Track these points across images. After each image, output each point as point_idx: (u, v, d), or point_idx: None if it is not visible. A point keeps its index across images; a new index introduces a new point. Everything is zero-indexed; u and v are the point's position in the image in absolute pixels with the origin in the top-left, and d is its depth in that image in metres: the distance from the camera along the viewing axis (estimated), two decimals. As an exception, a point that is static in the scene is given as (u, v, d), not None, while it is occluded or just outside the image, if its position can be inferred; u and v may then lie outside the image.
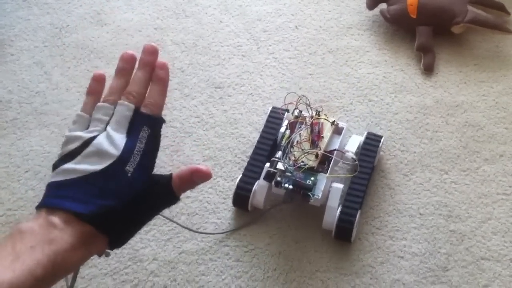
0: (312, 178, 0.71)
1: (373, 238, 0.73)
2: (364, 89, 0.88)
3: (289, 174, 0.70)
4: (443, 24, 0.91)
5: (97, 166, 0.46)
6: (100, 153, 0.46)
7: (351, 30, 0.96)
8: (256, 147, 0.79)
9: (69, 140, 0.48)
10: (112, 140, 0.47)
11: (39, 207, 0.46)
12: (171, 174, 0.49)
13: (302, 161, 0.70)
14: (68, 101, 0.88)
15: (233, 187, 0.77)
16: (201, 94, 0.89)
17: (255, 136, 0.83)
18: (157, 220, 0.75)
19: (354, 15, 0.98)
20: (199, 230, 0.74)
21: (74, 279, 0.53)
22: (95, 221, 0.45)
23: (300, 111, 0.75)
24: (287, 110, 0.79)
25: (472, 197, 0.77)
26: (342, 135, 0.76)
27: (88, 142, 0.47)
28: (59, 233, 0.43)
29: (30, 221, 0.45)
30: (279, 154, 0.71)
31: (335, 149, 0.73)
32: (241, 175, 0.76)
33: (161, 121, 0.50)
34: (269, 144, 0.78)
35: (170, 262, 0.72)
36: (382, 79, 0.89)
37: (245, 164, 0.79)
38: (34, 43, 0.96)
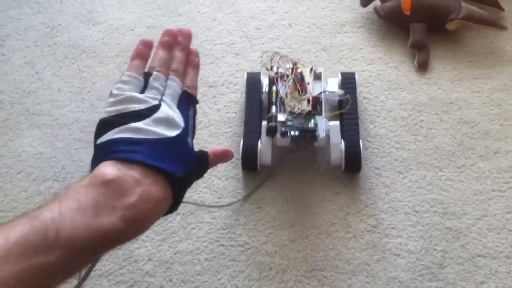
0: (313, 121, 0.75)
1: (368, 236, 0.73)
2: (359, 87, 0.87)
3: (290, 123, 0.74)
4: (437, 21, 0.91)
5: (169, 132, 0.47)
6: (169, 121, 0.48)
7: (345, 28, 0.96)
8: (247, 111, 0.82)
9: (129, 99, 0.48)
10: (175, 112, 0.49)
11: (112, 157, 0.44)
12: (206, 151, 0.54)
13: (299, 108, 0.75)
14: (60, 101, 0.87)
15: (228, 186, 0.77)
16: (194, 93, 0.88)
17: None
18: (152, 220, 0.74)
19: (348, 12, 0.98)
20: (213, 204, 0.76)
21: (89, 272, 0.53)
22: (177, 182, 0.45)
23: (277, 67, 0.79)
24: (267, 68, 0.80)
25: (467, 194, 0.77)
26: (322, 79, 0.81)
27: (155, 108, 0.48)
28: (151, 184, 0.44)
29: (111, 169, 0.43)
30: (273, 109, 0.75)
31: (322, 91, 0.78)
32: (242, 140, 0.78)
33: (197, 102, 0.55)
34: (257, 105, 0.82)
35: (166, 263, 0.71)
36: (376, 76, 0.89)
37: (240, 162, 0.79)
38: (26, 42, 0.95)
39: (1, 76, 0.90)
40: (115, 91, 0.49)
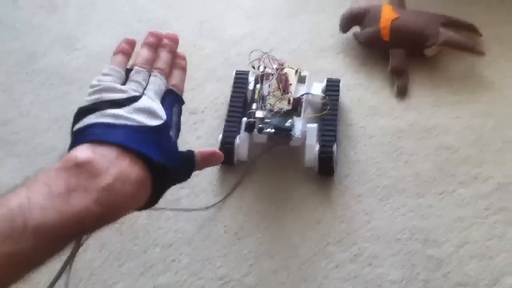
0: (290, 121, 0.77)
1: (350, 265, 0.73)
2: (339, 112, 0.87)
3: (268, 120, 0.77)
4: (416, 47, 0.91)
5: (150, 122, 0.46)
6: (150, 112, 0.47)
7: (325, 53, 0.96)
8: (230, 107, 0.84)
9: (109, 88, 0.48)
10: (157, 104, 0.49)
11: (90, 140, 0.43)
12: (193, 150, 0.52)
13: (278, 107, 0.77)
14: (39, 129, 0.86)
15: (208, 215, 0.76)
16: (174, 120, 0.87)
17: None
18: (131, 253, 0.73)
19: (328, 38, 0.98)
20: (189, 208, 0.77)
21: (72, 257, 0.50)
22: (157, 168, 0.44)
23: (265, 67, 0.81)
24: (253, 67, 0.82)
25: (448, 220, 0.77)
26: (306, 82, 0.83)
27: (135, 98, 0.47)
28: (128, 166, 0.42)
29: (88, 150, 0.42)
30: (254, 106, 0.79)
31: (304, 93, 0.81)
32: (221, 135, 0.80)
33: (183, 102, 0.54)
34: (240, 102, 0.84)
35: (144, 296, 0.70)
36: (357, 102, 0.89)
37: (222, 193, 0.78)
38: (3, 68, 0.94)
39: (-23, 104, 0.89)
40: (94, 82, 0.49)
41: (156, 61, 0.53)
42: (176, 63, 0.55)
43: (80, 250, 0.72)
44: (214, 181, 0.81)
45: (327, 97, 0.82)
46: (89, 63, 0.94)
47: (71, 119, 0.82)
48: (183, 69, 0.55)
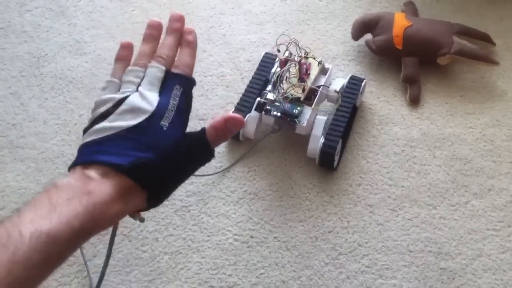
0: (299, 108, 0.78)
1: (362, 277, 0.71)
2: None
3: (278, 104, 0.78)
4: (429, 56, 0.90)
5: (131, 121, 0.46)
6: (134, 110, 0.47)
7: (336, 60, 0.95)
8: (249, 85, 0.86)
9: (100, 103, 0.48)
10: (145, 97, 0.48)
11: (72, 166, 0.45)
12: (204, 127, 0.50)
13: (290, 93, 0.78)
14: (46, 134, 0.85)
15: (218, 224, 0.75)
16: (184, 126, 0.86)
17: (239, 170, 0.81)
18: (139, 260, 0.72)
19: (339, 45, 0.97)
20: (199, 174, 0.78)
21: (112, 241, 0.53)
22: (133, 172, 0.44)
23: (290, 53, 0.82)
24: (278, 50, 0.83)
25: (461, 233, 0.75)
26: (327, 75, 0.83)
27: (120, 101, 0.47)
28: (96, 185, 0.43)
29: (65, 177, 0.44)
30: (269, 87, 0.80)
31: (321, 85, 0.81)
32: (233, 109, 0.83)
33: (193, 81, 0.52)
34: (260, 83, 0.85)
35: (153, 305, 0.69)
36: (368, 110, 0.88)
37: (230, 198, 0.77)
38: (11, 72, 0.93)
39: (-15, 107, 0.88)
40: (96, 99, 0.50)
41: (158, 49, 0.53)
42: (183, 40, 0.54)
43: (89, 255, 0.71)
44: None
45: (339, 93, 0.82)
46: (98, 67, 0.93)
47: (79, 123, 0.82)
48: (190, 45, 0.54)
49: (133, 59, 0.54)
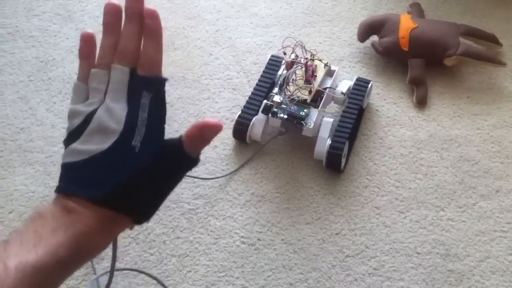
0: (306, 110, 0.79)
1: (370, 279, 0.71)
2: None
3: (285, 107, 0.79)
4: (435, 57, 0.90)
5: (102, 145, 0.43)
6: (102, 130, 0.44)
7: (343, 62, 0.95)
8: (256, 87, 0.86)
9: (71, 114, 0.46)
10: (112, 114, 0.44)
11: (57, 190, 0.45)
12: (181, 137, 0.45)
13: (296, 95, 0.79)
14: (54, 137, 0.85)
15: (225, 226, 0.75)
16: (191, 129, 0.87)
17: (247, 172, 0.81)
18: (147, 263, 0.72)
19: (345, 47, 0.97)
20: (201, 176, 0.80)
21: (114, 258, 0.52)
22: (111, 202, 0.43)
23: (297, 55, 0.82)
24: (284, 53, 0.83)
25: (469, 234, 0.75)
26: (333, 76, 0.84)
27: (89, 117, 0.44)
28: (78, 216, 0.42)
29: (50, 205, 0.44)
30: (276, 89, 0.81)
31: (327, 87, 0.81)
32: (240, 111, 0.83)
33: (162, 81, 0.46)
34: (267, 85, 0.86)
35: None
36: (375, 112, 0.88)
37: (237, 200, 0.78)
38: (19, 77, 0.93)
39: (-7, 111, 0.88)
40: (69, 106, 0.47)
41: (119, 42, 0.46)
42: (145, 28, 0.45)
43: (97, 259, 0.71)
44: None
45: (346, 95, 0.82)
46: (105, 71, 0.94)
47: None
48: (155, 33, 0.45)
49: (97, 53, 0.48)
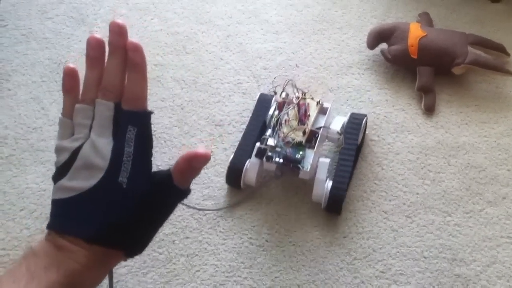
0: (301, 153, 0.75)
1: (377, 282, 0.72)
2: (366, 129, 0.87)
3: (279, 150, 0.75)
4: (444, 65, 0.91)
5: (89, 181, 0.43)
6: (88, 166, 0.44)
7: (352, 69, 0.96)
8: (247, 129, 0.83)
9: (58, 150, 0.46)
10: (97, 149, 0.44)
11: (48, 227, 0.45)
12: (169, 170, 0.45)
13: (291, 137, 0.76)
14: (66, 137, 0.86)
15: (233, 227, 0.76)
16: (201, 131, 0.88)
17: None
18: (156, 262, 0.73)
19: (355, 54, 0.98)
20: (203, 208, 0.78)
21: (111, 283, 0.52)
22: (102, 240, 0.43)
23: (287, 94, 0.80)
24: (275, 92, 0.82)
25: (476, 240, 0.76)
26: (327, 114, 0.80)
27: (75, 154, 0.44)
28: (70, 254, 0.43)
29: (42, 242, 0.44)
30: (269, 132, 0.77)
31: (321, 126, 0.78)
32: (232, 155, 0.79)
33: (147, 115, 0.45)
34: (258, 126, 0.82)
35: (169, 306, 0.70)
36: (383, 118, 0.89)
37: (246, 202, 0.78)
38: (32, 78, 0.95)
39: (6, 111, 0.89)
40: (56, 141, 0.47)
41: (103, 76, 0.45)
42: (129, 61, 0.44)
43: None
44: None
45: (342, 134, 0.79)
46: (117, 73, 0.95)
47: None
48: (138, 67, 0.45)
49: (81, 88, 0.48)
